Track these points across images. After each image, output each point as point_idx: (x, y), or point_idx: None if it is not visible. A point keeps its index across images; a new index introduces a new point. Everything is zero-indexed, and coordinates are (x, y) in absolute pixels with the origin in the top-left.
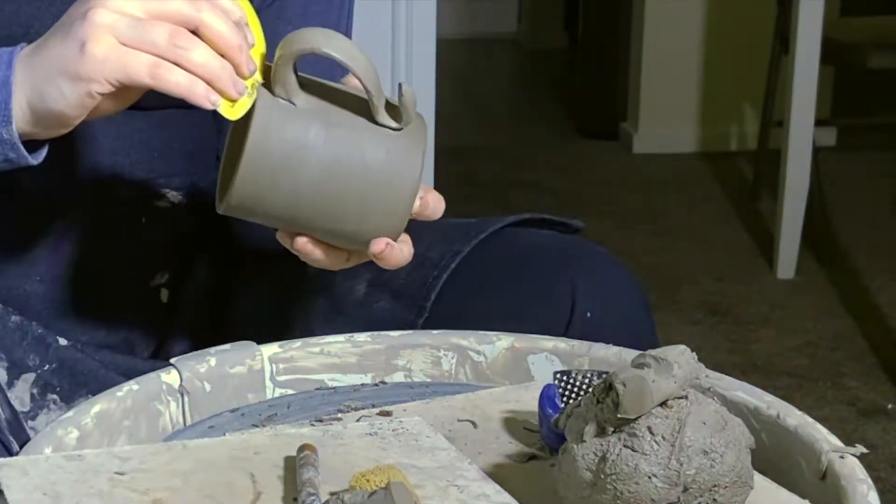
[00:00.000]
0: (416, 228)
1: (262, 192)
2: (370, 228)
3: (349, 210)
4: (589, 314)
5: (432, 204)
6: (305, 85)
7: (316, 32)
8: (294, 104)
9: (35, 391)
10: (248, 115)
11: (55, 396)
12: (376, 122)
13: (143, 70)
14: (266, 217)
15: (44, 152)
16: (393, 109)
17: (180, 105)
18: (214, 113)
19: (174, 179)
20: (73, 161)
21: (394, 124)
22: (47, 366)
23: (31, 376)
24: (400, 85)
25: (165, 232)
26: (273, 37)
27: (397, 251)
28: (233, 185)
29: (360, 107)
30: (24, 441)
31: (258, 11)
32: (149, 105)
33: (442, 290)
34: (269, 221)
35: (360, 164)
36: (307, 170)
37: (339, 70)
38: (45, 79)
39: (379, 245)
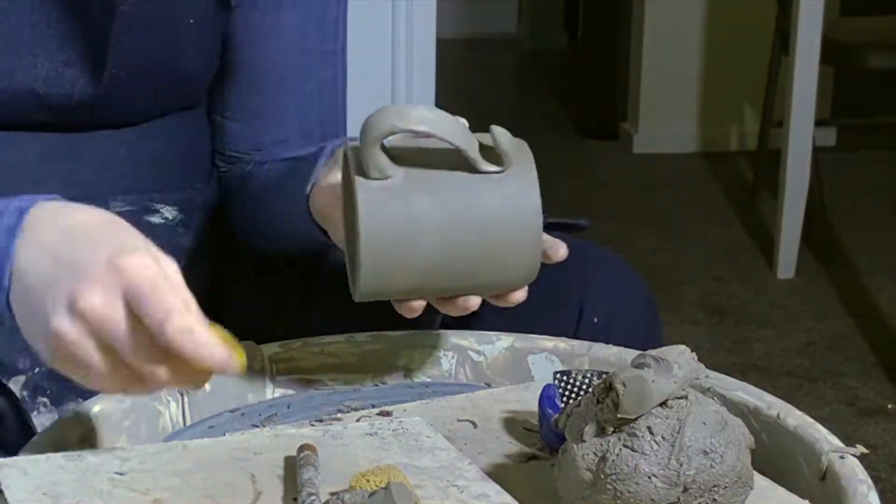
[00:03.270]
0: None
1: (389, 274)
2: (507, 276)
3: (482, 265)
4: (596, 319)
5: (554, 248)
6: (398, 157)
7: (390, 112)
8: (391, 181)
9: (25, 394)
10: (355, 205)
11: (45, 399)
12: (478, 171)
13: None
14: (405, 294)
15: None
16: (491, 151)
17: (168, 112)
18: (209, 114)
19: (169, 195)
20: (57, 177)
21: (496, 168)
22: (38, 369)
23: (21, 379)
24: (491, 128)
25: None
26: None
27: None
28: (358, 279)
29: (459, 161)
30: (28, 437)
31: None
32: (136, 120)
33: None
34: (409, 296)
35: (475, 219)
36: (425, 241)
37: None
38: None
39: (521, 294)
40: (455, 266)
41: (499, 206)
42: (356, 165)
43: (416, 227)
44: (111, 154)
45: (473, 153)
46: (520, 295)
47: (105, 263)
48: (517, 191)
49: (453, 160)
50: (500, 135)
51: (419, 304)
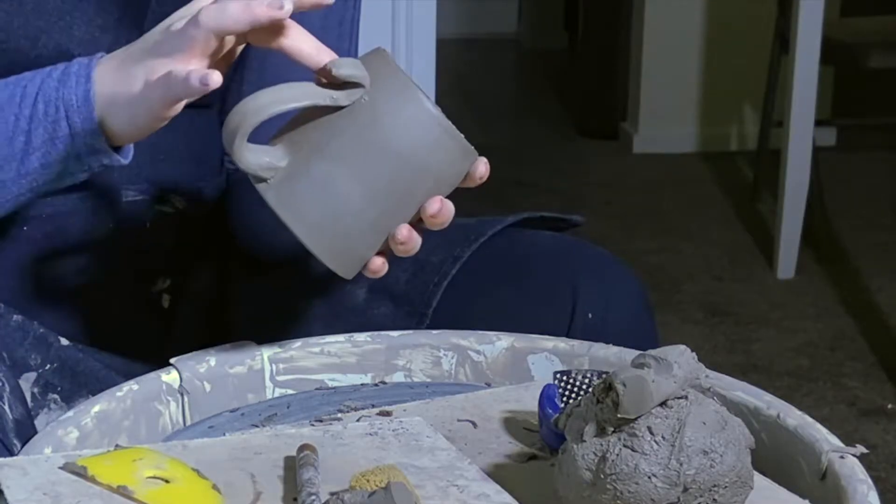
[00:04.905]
0: None
1: (345, 245)
2: (444, 161)
3: (413, 173)
4: (590, 315)
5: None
6: (272, 144)
7: (240, 113)
8: (283, 168)
9: (36, 390)
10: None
11: (56, 396)
12: (345, 107)
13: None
14: (374, 244)
15: (131, 148)
16: (347, 84)
17: (185, 106)
18: (220, 112)
19: (181, 185)
20: None
21: (360, 92)
22: (48, 365)
23: (31, 375)
24: (330, 65)
25: (169, 238)
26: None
27: (448, 209)
28: (332, 266)
29: (324, 110)
30: (30, 436)
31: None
32: None
33: (442, 294)
34: (378, 242)
35: (372, 143)
36: (350, 196)
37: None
38: (129, 106)
39: (434, 206)
40: (391, 192)
41: (385, 125)
42: (251, 176)
43: (332, 191)
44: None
45: (328, 99)
46: (482, 169)
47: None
48: (387, 90)
49: (317, 112)
50: (342, 66)
51: (378, 265)
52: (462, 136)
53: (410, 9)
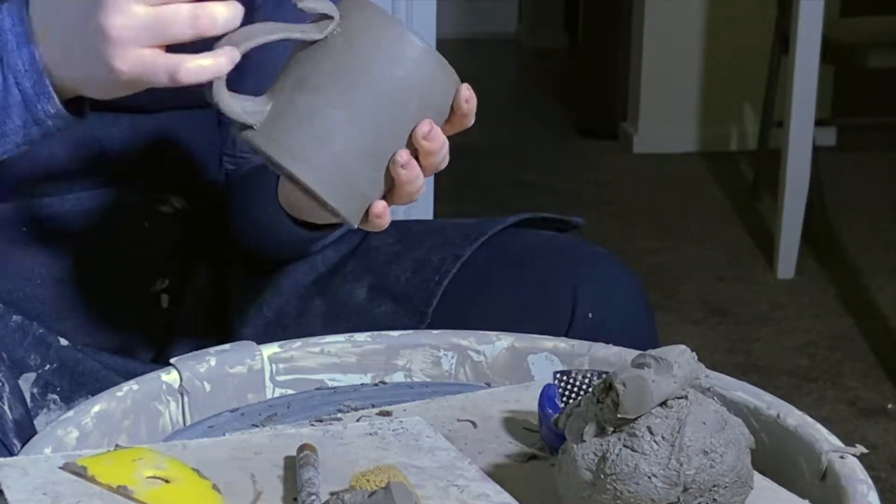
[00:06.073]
0: (416, 231)
1: (345, 179)
2: (422, 91)
3: (401, 94)
4: (590, 315)
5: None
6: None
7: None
8: (268, 111)
9: (35, 391)
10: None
11: (55, 396)
12: (319, 40)
13: (164, 78)
14: (376, 181)
15: (86, 104)
16: (320, 19)
17: (183, 106)
18: (219, 112)
19: (179, 185)
20: (77, 164)
21: (331, 23)
22: (48, 366)
23: (31, 376)
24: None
25: (168, 237)
26: None
27: (440, 136)
28: (332, 207)
29: (299, 47)
30: (29, 437)
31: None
32: (151, 108)
33: (443, 293)
34: (378, 181)
35: (353, 71)
36: (337, 125)
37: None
38: (82, 83)
39: (424, 127)
40: (376, 113)
41: (357, 42)
42: (237, 124)
43: (319, 121)
44: (132, 143)
45: (297, 32)
46: (465, 93)
47: None
48: (359, 19)
49: (297, 52)
50: (306, 0)
51: (380, 209)
52: (439, 54)
53: (410, 9)
